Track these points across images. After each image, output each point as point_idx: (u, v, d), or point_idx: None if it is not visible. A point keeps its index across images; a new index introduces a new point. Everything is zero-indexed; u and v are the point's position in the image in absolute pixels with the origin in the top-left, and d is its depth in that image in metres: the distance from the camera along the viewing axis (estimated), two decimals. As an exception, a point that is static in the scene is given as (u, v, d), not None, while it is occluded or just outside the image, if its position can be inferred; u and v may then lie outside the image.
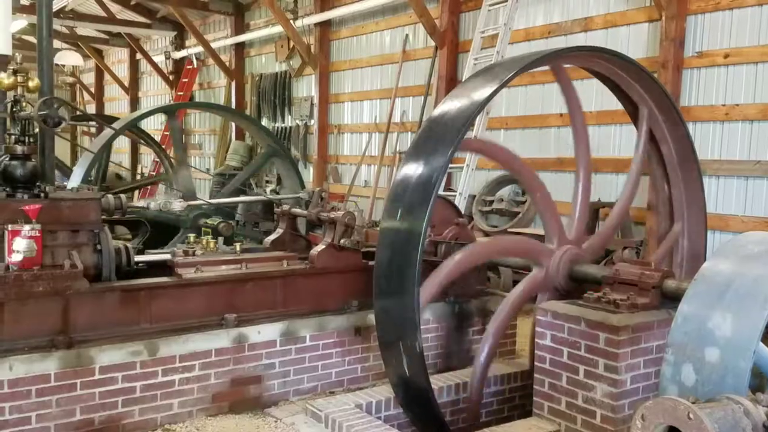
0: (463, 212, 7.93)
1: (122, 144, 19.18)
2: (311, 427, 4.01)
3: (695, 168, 4.85)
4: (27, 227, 3.75)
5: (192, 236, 5.02)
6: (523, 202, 8.59)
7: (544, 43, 8.56)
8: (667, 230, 5.01)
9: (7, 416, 3.61)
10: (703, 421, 1.38)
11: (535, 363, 4.08)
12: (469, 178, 8.33)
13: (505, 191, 8.93)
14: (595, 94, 7.81)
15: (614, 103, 5.04)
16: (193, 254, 4.52)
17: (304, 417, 4.14)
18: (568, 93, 4.51)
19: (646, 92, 4.58)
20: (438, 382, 4.43)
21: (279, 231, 5.32)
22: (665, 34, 6.93)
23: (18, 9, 12.35)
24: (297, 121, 13.55)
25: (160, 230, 8.12)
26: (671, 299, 3.80)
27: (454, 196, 8.19)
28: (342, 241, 4.85)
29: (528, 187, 4.70)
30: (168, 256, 4.51)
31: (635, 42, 7.57)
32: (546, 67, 4.53)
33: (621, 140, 7.75)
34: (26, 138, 4.12)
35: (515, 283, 6.92)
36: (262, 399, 4.43)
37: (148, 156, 18.12)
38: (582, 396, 3.79)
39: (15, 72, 4.12)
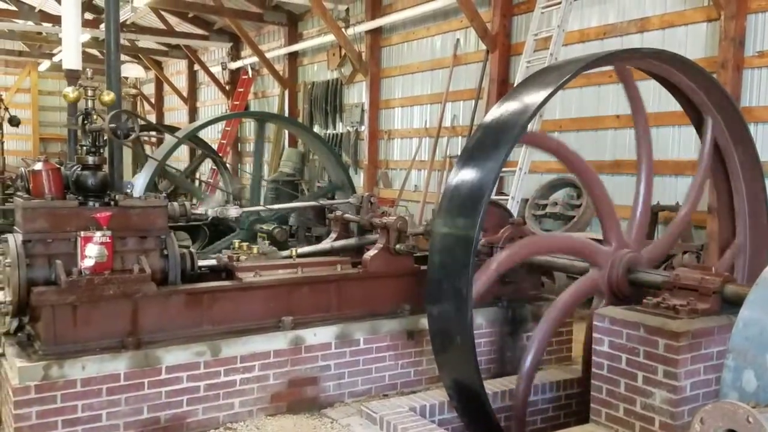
0: (515, 215, 7.92)
1: (181, 153, 19.80)
2: (366, 428, 4.08)
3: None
4: (98, 234, 3.95)
5: (236, 242, 5.18)
6: (579, 206, 8.47)
7: (599, 45, 8.43)
8: (729, 240, 4.88)
9: (79, 414, 3.81)
10: (763, 425, 1.37)
11: (593, 369, 4.03)
12: (521, 182, 8.27)
13: (559, 194, 8.82)
14: (653, 96, 7.67)
15: (673, 104, 4.95)
16: (237, 260, 4.65)
17: (359, 419, 4.21)
18: (631, 94, 4.46)
19: (709, 98, 4.48)
20: (492, 387, 4.44)
21: (333, 236, 5.42)
22: (724, 33, 6.74)
23: (82, 24, 12.95)
24: (348, 128, 13.73)
25: (219, 235, 8.40)
26: (732, 304, 3.71)
27: (506, 200, 8.15)
28: (397, 246, 4.91)
29: (587, 185, 4.65)
30: (213, 262, 4.66)
31: (693, 42, 7.38)
32: (601, 69, 4.49)
33: (680, 142, 7.57)
34: (97, 149, 4.34)
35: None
36: (319, 400, 4.53)
37: (206, 164, 18.65)
38: (640, 402, 3.73)
39: (82, 86, 4.35)
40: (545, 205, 8.69)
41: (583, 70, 4.04)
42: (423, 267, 4.93)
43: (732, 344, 2.70)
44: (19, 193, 4.58)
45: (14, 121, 9.20)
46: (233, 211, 5.44)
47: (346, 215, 5.51)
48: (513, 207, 8.09)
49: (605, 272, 4.30)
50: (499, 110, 4.05)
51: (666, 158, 7.61)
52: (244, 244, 5.12)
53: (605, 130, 8.45)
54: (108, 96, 4.24)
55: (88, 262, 3.92)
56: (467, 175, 3.83)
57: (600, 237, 4.51)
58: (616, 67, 4.40)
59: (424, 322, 4.39)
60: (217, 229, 8.44)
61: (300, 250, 5.00)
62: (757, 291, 2.79)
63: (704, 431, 1.47)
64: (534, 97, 3.90)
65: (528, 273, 5.51)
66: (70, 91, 4.28)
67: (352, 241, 5.34)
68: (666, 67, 4.39)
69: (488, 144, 3.89)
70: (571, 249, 4.60)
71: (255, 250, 4.96)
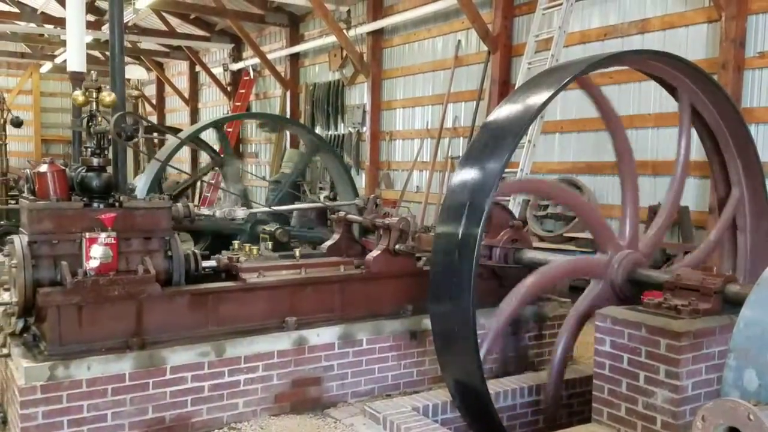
0: (516, 216, 7.94)
1: (183, 154, 19.82)
2: (369, 428, 4.11)
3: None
4: (103, 235, 3.97)
5: (236, 243, 5.19)
6: (579, 207, 8.49)
7: (600, 46, 8.46)
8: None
9: (85, 413, 3.83)
10: (764, 422, 1.40)
11: (594, 369, 4.06)
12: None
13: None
14: (653, 97, 7.71)
15: (673, 105, 4.97)
16: (237, 260, 4.67)
17: (363, 418, 4.24)
18: (600, 104, 4.51)
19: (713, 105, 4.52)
20: (494, 387, 4.46)
21: (335, 237, 5.45)
22: (725, 34, 6.78)
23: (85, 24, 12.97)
24: (350, 129, 13.77)
25: (220, 237, 8.41)
26: (733, 304, 3.74)
27: (508, 200, 8.17)
28: (397, 246, 4.94)
29: (572, 208, 4.73)
30: (213, 263, 4.67)
31: (694, 43, 7.41)
32: (602, 70, 4.52)
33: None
34: (101, 151, 4.36)
35: (572, 288, 6.90)
36: (322, 400, 4.56)
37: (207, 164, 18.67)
38: (642, 402, 3.76)
39: (88, 89, 4.38)
40: (547, 206, 8.72)
41: (585, 72, 4.07)
42: (426, 267, 4.96)
43: (733, 344, 2.72)
44: (24, 195, 4.60)
45: (16, 122, 9.23)
46: (240, 212, 5.47)
47: (349, 216, 5.52)
48: (514, 208, 8.12)
49: (607, 282, 4.34)
50: (501, 112, 4.08)
51: (667, 159, 7.64)
52: (246, 245, 5.14)
53: (605, 131, 8.45)
54: (109, 97, 4.26)
55: (93, 263, 3.94)
56: (470, 175, 3.85)
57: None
58: (579, 81, 4.37)
59: (426, 322, 4.42)
60: (218, 231, 8.46)
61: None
62: (759, 291, 2.81)
63: (706, 428, 1.50)
64: (535, 99, 3.93)
65: (528, 274, 5.52)
66: (79, 95, 4.30)
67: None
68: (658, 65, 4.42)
69: (490, 145, 3.92)
70: (573, 272, 4.67)
71: (255, 252, 4.98)
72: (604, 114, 4.49)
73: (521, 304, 4.27)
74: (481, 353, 3.93)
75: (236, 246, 5.11)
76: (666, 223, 4.73)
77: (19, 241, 3.99)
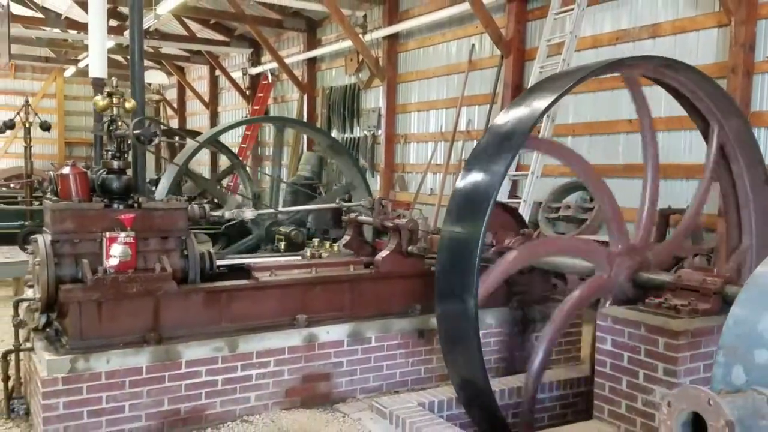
0: (528, 219, 8.03)
1: (203, 157, 20.14)
2: (376, 423, 4.23)
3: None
4: (122, 234, 4.14)
5: (316, 241, 5.45)
6: (591, 209, 8.55)
7: (611, 50, 8.52)
8: (737, 245, 4.96)
9: (104, 405, 4.01)
10: (722, 407, 1.51)
11: (596, 367, 4.15)
12: (533, 185, 8.38)
13: (572, 198, 8.91)
14: (664, 100, 7.73)
15: (682, 109, 5.03)
16: (320, 257, 5.04)
17: (370, 413, 4.36)
18: (637, 100, 4.57)
19: (716, 108, 4.58)
20: (500, 385, 4.56)
21: (346, 237, 5.59)
22: (735, 39, 6.81)
23: (107, 31, 13.29)
24: (365, 132, 13.92)
25: (238, 237, 8.63)
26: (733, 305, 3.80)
27: (519, 203, 8.26)
28: (410, 248, 5.06)
29: (593, 188, 4.76)
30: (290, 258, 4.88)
31: (704, 47, 7.45)
32: (614, 74, 4.60)
33: (691, 146, 7.63)
34: (121, 154, 4.54)
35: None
36: (331, 395, 4.70)
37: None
38: (642, 399, 3.84)
39: (109, 94, 4.57)
40: (558, 209, 8.79)
41: (587, 78, 4.17)
42: (434, 267, 5.07)
43: (723, 341, 2.82)
44: (48, 196, 4.80)
45: (45, 126, 9.51)
46: (248, 213, 5.64)
47: (360, 217, 5.67)
48: (525, 210, 8.20)
49: (611, 274, 4.40)
50: (506, 116, 4.19)
51: (677, 162, 7.68)
52: (326, 242, 5.35)
53: (618, 134, 8.53)
54: (129, 103, 4.44)
55: (112, 261, 4.10)
56: (474, 177, 3.96)
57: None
58: (624, 74, 4.49)
59: (434, 321, 4.52)
60: (236, 232, 8.67)
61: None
62: (748, 290, 2.91)
63: (671, 413, 1.61)
64: (539, 103, 4.03)
65: (539, 275, 5.62)
66: (100, 100, 4.48)
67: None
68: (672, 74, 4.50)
69: (495, 148, 4.03)
70: (578, 251, 4.69)
71: (336, 248, 5.25)
72: (641, 115, 4.56)
73: (528, 257, 4.39)
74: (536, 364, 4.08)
75: (316, 243, 5.33)
76: (681, 237, 4.80)
77: (43, 240, 4.17)
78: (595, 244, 4.62)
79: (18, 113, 9.11)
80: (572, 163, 4.62)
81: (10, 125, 9.02)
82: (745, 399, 1.60)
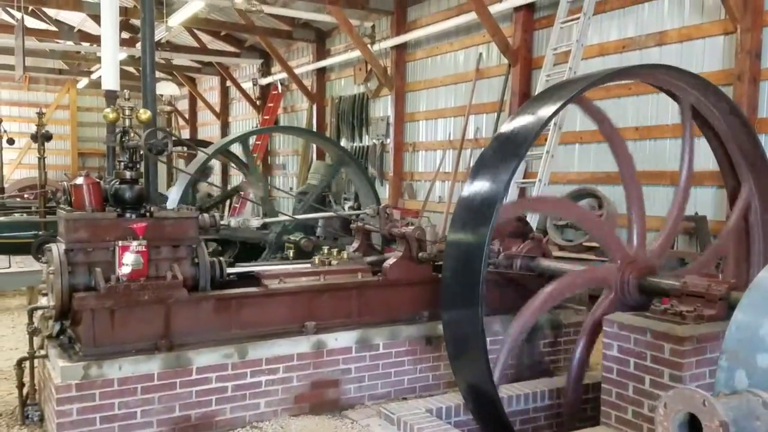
0: (536, 226, 8.05)
1: (214, 166, 20.28)
2: (384, 429, 4.26)
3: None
4: (135, 243, 4.21)
5: (326, 248, 5.50)
6: (599, 216, 8.56)
7: (618, 58, 8.56)
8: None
9: (116, 411, 4.06)
10: (716, 408, 1.54)
11: (603, 373, 4.17)
12: (541, 193, 8.41)
13: (581, 205, 8.93)
14: (671, 108, 7.76)
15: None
16: (329, 264, 5.09)
17: (378, 420, 4.40)
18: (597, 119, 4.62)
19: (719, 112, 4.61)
20: (507, 391, 4.59)
21: (355, 245, 5.65)
22: (741, 46, 6.84)
23: (119, 44, 13.51)
24: (374, 140, 14.02)
25: (248, 246, 8.69)
26: (738, 311, 3.82)
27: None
28: (420, 254, 5.11)
29: (579, 223, 4.86)
30: (256, 268, 4.90)
31: (710, 55, 7.48)
32: (619, 82, 4.64)
33: (699, 153, 7.61)
34: (133, 164, 4.62)
35: (590, 297, 6.98)
36: (340, 402, 4.74)
37: (237, 177, 19.12)
38: (648, 405, 3.86)
39: (120, 107, 4.66)
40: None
41: (592, 86, 4.21)
42: (441, 274, 5.12)
43: (725, 345, 2.85)
44: (61, 206, 4.88)
45: (46, 136, 9.65)
46: (254, 222, 5.70)
47: (368, 225, 5.73)
48: (534, 218, 8.22)
49: (617, 291, 4.45)
50: (511, 123, 4.24)
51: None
52: (334, 250, 5.41)
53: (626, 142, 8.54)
54: (145, 115, 4.53)
55: (125, 270, 4.17)
56: (480, 185, 4.01)
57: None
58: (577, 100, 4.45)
59: (441, 328, 4.57)
60: (247, 241, 8.73)
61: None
62: (750, 295, 2.94)
63: (666, 414, 1.65)
64: (545, 111, 4.08)
65: (545, 281, 5.64)
66: (109, 112, 4.57)
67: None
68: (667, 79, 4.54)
69: (500, 155, 4.08)
70: (585, 284, 4.80)
71: (345, 256, 5.29)
72: (603, 128, 4.61)
73: (533, 318, 4.41)
74: (501, 362, 4.12)
75: (325, 251, 5.40)
76: (673, 230, 4.83)
77: (57, 249, 4.24)
78: (596, 270, 4.75)
79: (38, 125, 9.28)
80: (555, 208, 4.71)
81: (48, 137, 9.16)
82: (739, 400, 1.64)
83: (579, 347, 4.49)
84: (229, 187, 20.05)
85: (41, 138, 9.35)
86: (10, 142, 11.68)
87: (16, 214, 10.07)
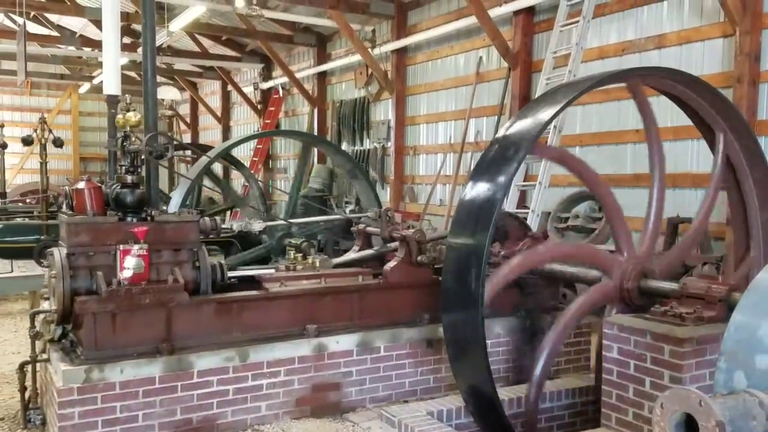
0: (536, 229, 8.05)
1: (215, 170, 20.30)
2: (385, 431, 4.28)
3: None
4: (136, 247, 4.24)
5: (292, 253, 5.44)
6: (600, 219, 8.56)
7: (617, 61, 8.58)
8: (745, 257, 4.97)
9: (118, 414, 4.08)
10: (712, 408, 1.56)
11: (603, 375, 4.18)
12: (541, 195, 8.43)
13: (581, 208, 8.93)
14: (671, 110, 7.77)
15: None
16: (294, 269, 4.95)
17: (379, 423, 4.41)
18: (643, 110, 4.62)
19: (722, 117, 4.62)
20: (508, 394, 4.60)
21: (355, 248, 5.66)
22: (740, 48, 6.86)
23: (121, 48, 13.57)
24: (375, 144, 14.05)
25: (249, 248, 8.72)
26: (738, 312, 3.82)
27: (527, 213, 8.30)
28: (419, 258, 5.12)
29: (599, 195, 4.81)
30: (261, 271, 4.89)
31: (710, 57, 7.50)
32: (620, 84, 4.65)
33: (699, 155, 7.66)
34: (134, 169, 4.64)
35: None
36: (341, 405, 4.75)
37: (239, 180, 19.15)
38: (648, 407, 3.86)
39: (129, 110, 4.68)
40: (567, 218, 8.80)
41: (590, 89, 4.23)
42: (441, 277, 5.13)
43: (724, 347, 2.86)
44: (63, 210, 4.91)
45: (58, 143, 9.72)
46: (257, 225, 5.72)
47: (369, 228, 5.75)
48: (534, 221, 8.23)
49: (617, 281, 4.44)
50: (511, 126, 4.25)
51: (685, 171, 7.70)
52: (299, 255, 5.40)
53: (625, 144, 8.57)
54: (135, 118, 4.56)
55: (126, 273, 4.20)
56: (479, 188, 4.02)
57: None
58: (629, 85, 4.54)
59: (442, 330, 4.58)
60: (247, 244, 8.77)
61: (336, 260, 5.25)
62: (749, 296, 2.95)
63: (663, 414, 1.66)
64: (544, 114, 4.10)
65: (547, 283, 5.66)
66: (121, 118, 4.59)
67: (371, 251, 5.57)
68: (680, 88, 4.55)
69: (499, 158, 4.09)
70: (584, 256, 4.75)
71: (310, 261, 5.25)
72: (647, 126, 4.61)
73: (532, 262, 4.43)
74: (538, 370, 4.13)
75: (292, 256, 5.39)
76: (689, 246, 4.83)
77: (58, 254, 4.26)
78: (602, 250, 4.66)
79: (36, 130, 9.31)
80: (579, 171, 4.67)
81: (29, 141, 9.23)
82: (736, 400, 1.65)
83: (554, 334, 4.37)
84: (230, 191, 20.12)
85: (44, 143, 9.40)
86: (4, 146, 11.68)
87: (18, 219, 10.10)
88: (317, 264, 5.19)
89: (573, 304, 4.46)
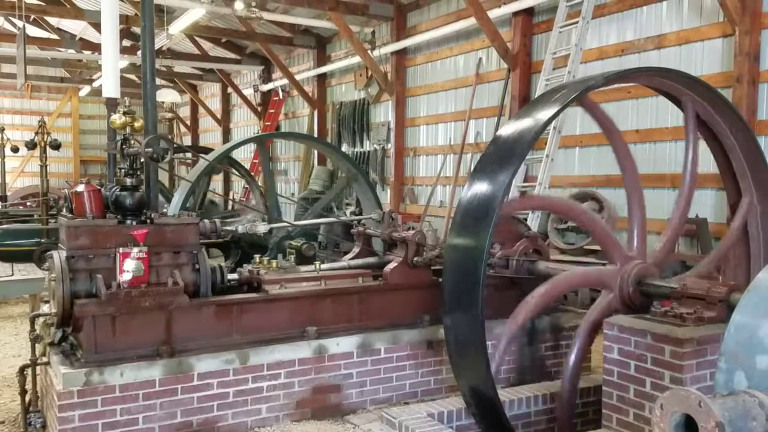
0: (537, 230, 8.05)
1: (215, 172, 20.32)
2: (386, 433, 4.27)
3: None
4: (135, 249, 4.23)
5: (257, 257, 5.38)
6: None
7: (617, 62, 8.58)
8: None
9: (118, 417, 4.06)
10: (711, 409, 1.55)
11: (603, 376, 4.17)
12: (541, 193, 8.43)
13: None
14: (670, 111, 7.78)
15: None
16: (257, 274, 4.84)
17: (380, 424, 4.40)
18: (603, 123, 4.63)
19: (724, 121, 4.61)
20: (508, 395, 4.59)
21: (355, 250, 5.66)
22: (739, 48, 6.86)
23: (120, 51, 13.57)
24: (375, 146, 14.05)
25: (250, 251, 8.70)
26: (738, 313, 3.82)
27: (527, 214, 8.30)
28: (415, 259, 5.12)
29: (582, 225, 4.86)
30: (235, 276, 4.86)
31: (709, 58, 7.50)
32: (620, 85, 4.64)
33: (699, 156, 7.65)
34: (134, 171, 4.64)
35: (593, 300, 6.98)
36: (342, 407, 4.74)
37: (239, 183, 19.18)
38: (649, 408, 3.86)
39: (125, 113, 4.69)
40: (567, 219, 8.80)
41: (589, 90, 4.23)
42: (441, 279, 5.12)
43: (724, 347, 2.85)
44: (63, 213, 4.90)
45: (54, 145, 9.71)
46: (261, 227, 5.71)
47: (368, 230, 5.73)
48: (534, 221, 8.23)
49: (617, 292, 4.45)
50: (510, 127, 4.25)
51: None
52: (264, 259, 5.36)
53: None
54: (137, 123, 4.56)
55: (126, 276, 4.18)
56: (479, 189, 4.02)
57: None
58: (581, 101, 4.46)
59: (443, 332, 4.57)
60: (248, 246, 8.75)
61: (323, 266, 5.21)
62: (749, 297, 2.94)
63: (663, 415, 1.66)
64: (543, 114, 4.09)
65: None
66: (117, 119, 4.59)
67: (371, 260, 5.56)
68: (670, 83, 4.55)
69: (499, 159, 4.09)
70: (584, 282, 4.79)
71: (274, 265, 5.21)
72: (606, 130, 4.63)
73: (530, 314, 4.41)
74: (493, 364, 4.10)
75: (257, 260, 5.35)
76: (675, 234, 4.83)
77: (58, 257, 4.25)
78: (597, 271, 4.73)
79: (37, 133, 9.32)
80: (559, 209, 4.70)
81: (32, 146, 9.24)
82: (735, 401, 1.65)
83: (574, 350, 4.47)
84: (231, 194, 20.13)
85: (44, 146, 9.40)
86: (15, 149, 11.76)
87: (18, 222, 10.11)
88: (284, 267, 5.15)
89: (583, 323, 4.49)
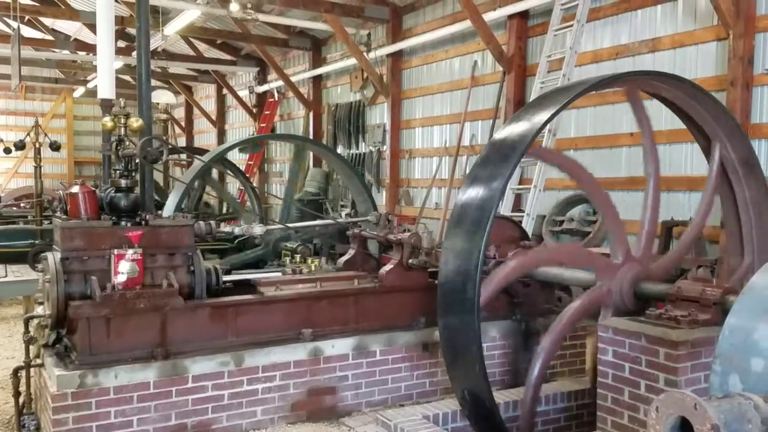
0: (532, 233, 8.07)
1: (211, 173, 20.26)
2: (381, 435, 4.27)
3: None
4: (130, 251, 4.23)
5: (298, 257, 5.40)
6: (594, 222, 8.59)
7: (611, 65, 8.61)
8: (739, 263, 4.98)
9: (112, 419, 4.07)
10: (707, 411, 1.56)
11: (598, 378, 4.18)
12: (536, 199, 8.44)
13: (576, 211, 8.96)
14: (665, 113, 7.80)
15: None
16: (300, 272, 4.93)
17: (375, 426, 4.41)
18: (638, 114, 4.63)
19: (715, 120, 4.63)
20: (503, 397, 4.60)
21: (351, 252, 5.66)
22: (733, 52, 6.89)
23: (115, 52, 13.54)
24: (370, 148, 14.05)
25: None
26: (732, 315, 3.83)
27: (522, 216, 8.32)
28: (410, 261, 5.12)
29: (596, 199, 4.80)
30: (279, 274, 4.87)
31: (703, 61, 7.53)
32: (615, 88, 4.66)
33: (693, 158, 7.68)
34: (129, 173, 4.63)
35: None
36: (337, 409, 4.74)
37: (233, 184, 19.13)
38: (644, 410, 3.86)
39: (116, 115, 4.67)
40: (562, 222, 8.82)
41: (584, 93, 4.24)
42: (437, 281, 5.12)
43: (719, 350, 2.86)
44: (57, 215, 4.89)
45: (54, 147, 9.70)
46: (258, 229, 5.71)
47: (364, 232, 5.74)
48: (529, 224, 8.25)
49: (611, 285, 4.44)
50: (506, 130, 4.26)
51: (679, 174, 7.72)
52: (303, 259, 5.39)
53: (620, 147, 8.60)
54: (136, 123, 4.55)
55: (120, 278, 4.19)
56: (475, 191, 4.02)
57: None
58: (627, 88, 4.54)
59: (438, 334, 4.57)
60: (244, 248, 8.74)
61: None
62: (743, 300, 2.95)
63: (659, 418, 1.66)
64: (539, 117, 4.10)
65: (541, 287, 5.67)
66: (108, 121, 4.58)
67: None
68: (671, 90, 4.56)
69: (494, 161, 4.09)
70: (580, 259, 4.74)
71: (314, 264, 5.23)
72: (643, 129, 4.62)
73: (527, 266, 4.45)
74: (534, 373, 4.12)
75: (297, 259, 5.37)
76: (684, 251, 4.84)
77: (53, 258, 4.25)
78: (598, 254, 4.66)
79: (28, 134, 9.28)
80: (574, 173, 4.67)
81: (20, 146, 9.21)
82: (731, 403, 1.65)
83: (546, 345, 4.36)
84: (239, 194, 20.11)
85: (39, 147, 9.37)
86: (7, 151, 11.73)
87: (12, 224, 10.06)
88: (321, 268, 5.21)
89: (567, 309, 4.45)
